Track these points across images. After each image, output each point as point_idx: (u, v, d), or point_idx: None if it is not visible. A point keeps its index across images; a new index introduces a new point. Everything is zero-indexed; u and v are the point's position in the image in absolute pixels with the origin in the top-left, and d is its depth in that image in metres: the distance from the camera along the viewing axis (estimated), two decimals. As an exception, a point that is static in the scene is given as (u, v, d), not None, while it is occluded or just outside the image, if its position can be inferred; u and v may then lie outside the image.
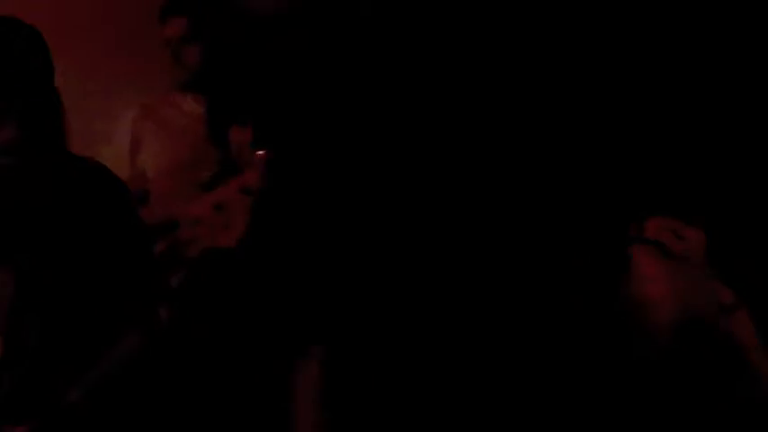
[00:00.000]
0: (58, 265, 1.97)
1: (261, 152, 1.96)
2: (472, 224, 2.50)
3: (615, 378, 2.12)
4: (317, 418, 2.38)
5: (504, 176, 2.54)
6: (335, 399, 2.40)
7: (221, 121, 2.92)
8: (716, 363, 2.11)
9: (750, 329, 2.13)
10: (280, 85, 2.99)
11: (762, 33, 2.61)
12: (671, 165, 2.51)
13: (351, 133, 2.66)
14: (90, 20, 3.42)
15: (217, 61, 3.18)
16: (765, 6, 2.61)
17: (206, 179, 2.84)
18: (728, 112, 2.58)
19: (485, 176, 2.53)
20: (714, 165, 2.51)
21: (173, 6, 3.18)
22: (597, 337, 2.18)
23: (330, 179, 2.48)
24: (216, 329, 2.53)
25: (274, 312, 2.45)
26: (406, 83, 2.69)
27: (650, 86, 2.62)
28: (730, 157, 2.55)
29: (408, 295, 2.42)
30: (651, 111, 2.60)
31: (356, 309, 2.47)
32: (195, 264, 1.82)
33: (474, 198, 2.52)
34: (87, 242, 2.00)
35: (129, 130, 3.28)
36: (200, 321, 2.37)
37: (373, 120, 2.71)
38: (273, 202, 2.00)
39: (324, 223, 2.41)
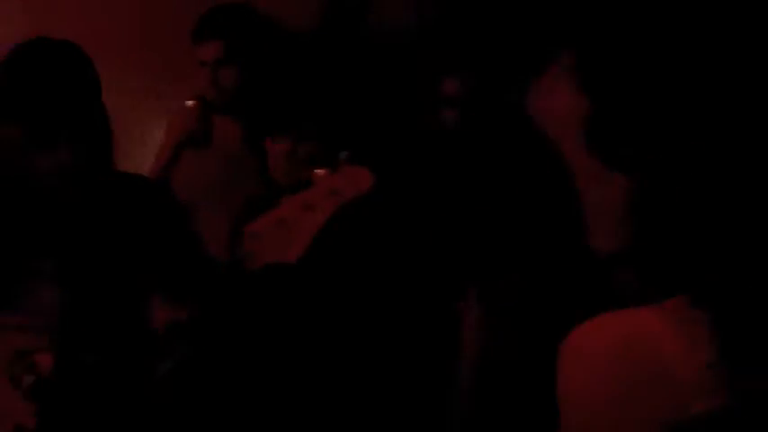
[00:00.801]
0: (110, 283, 2.02)
1: (320, 170, 1.87)
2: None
3: None
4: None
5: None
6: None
7: (260, 138, 2.99)
8: None
9: None
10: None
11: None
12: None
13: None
14: (121, 35, 3.44)
15: (254, 82, 3.19)
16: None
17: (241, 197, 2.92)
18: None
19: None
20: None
21: (207, 29, 3.16)
22: None
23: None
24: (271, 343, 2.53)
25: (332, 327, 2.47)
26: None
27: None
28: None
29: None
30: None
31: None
32: (255, 278, 1.76)
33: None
34: (140, 259, 2.05)
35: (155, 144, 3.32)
36: (257, 334, 2.39)
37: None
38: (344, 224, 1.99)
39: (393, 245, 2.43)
